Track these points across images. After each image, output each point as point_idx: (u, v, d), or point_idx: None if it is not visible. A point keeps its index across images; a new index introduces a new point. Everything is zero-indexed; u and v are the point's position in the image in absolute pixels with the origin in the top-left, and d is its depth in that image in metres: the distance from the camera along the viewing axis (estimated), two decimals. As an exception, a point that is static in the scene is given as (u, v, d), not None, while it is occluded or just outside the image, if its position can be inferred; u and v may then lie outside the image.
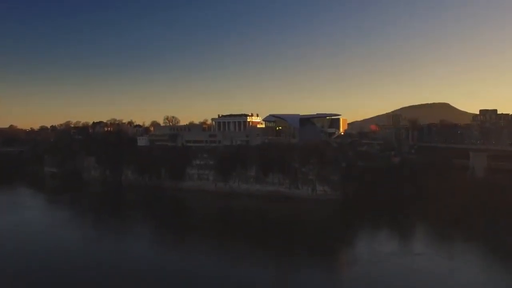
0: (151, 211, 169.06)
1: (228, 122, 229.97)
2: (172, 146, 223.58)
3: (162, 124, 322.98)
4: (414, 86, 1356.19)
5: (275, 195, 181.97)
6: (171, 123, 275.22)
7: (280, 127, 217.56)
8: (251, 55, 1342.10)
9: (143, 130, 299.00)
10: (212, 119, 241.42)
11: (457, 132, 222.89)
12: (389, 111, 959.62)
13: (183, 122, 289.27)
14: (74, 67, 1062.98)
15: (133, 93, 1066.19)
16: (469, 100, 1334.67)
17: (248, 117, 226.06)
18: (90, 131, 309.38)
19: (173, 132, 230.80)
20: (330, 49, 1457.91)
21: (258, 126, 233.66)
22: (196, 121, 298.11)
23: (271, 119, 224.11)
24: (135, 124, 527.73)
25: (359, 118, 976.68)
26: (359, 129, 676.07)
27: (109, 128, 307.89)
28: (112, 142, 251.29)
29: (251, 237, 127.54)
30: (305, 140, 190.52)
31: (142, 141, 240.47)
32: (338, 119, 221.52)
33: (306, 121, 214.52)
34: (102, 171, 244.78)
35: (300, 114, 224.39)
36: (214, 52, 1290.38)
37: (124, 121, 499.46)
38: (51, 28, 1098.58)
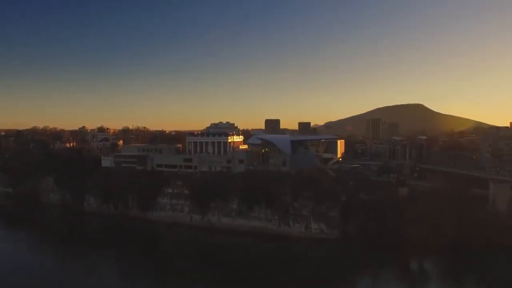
0: (115, 247, 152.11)
1: (206, 143, 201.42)
2: (141, 170, 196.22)
3: (131, 128, 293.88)
4: (389, 87, 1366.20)
5: (261, 232, 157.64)
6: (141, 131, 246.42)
7: (267, 149, 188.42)
8: (226, 56, 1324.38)
9: (110, 147, 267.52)
10: (187, 138, 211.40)
11: (463, 154, 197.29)
12: (364, 111, 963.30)
13: (155, 127, 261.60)
14: (47, 66, 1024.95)
15: (107, 97, 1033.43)
16: (443, 101, 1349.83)
17: (229, 137, 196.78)
18: (50, 146, 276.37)
19: (142, 153, 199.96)
20: (304, 49, 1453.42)
21: (241, 147, 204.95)
22: (170, 129, 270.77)
23: (257, 141, 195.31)
24: (106, 129, 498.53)
25: (334, 118, 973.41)
26: (336, 130, 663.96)
27: (71, 144, 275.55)
28: (73, 161, 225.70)
29: (231, 282, 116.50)
30: (298, 168, 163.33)
31: (107, 162, 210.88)
32: (335, 141, 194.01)
33: (298, 144, 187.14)
34: (62, 194, 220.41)
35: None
36: (193, 53, 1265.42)
37: (93, 128, 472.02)
38: (24, 26, 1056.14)
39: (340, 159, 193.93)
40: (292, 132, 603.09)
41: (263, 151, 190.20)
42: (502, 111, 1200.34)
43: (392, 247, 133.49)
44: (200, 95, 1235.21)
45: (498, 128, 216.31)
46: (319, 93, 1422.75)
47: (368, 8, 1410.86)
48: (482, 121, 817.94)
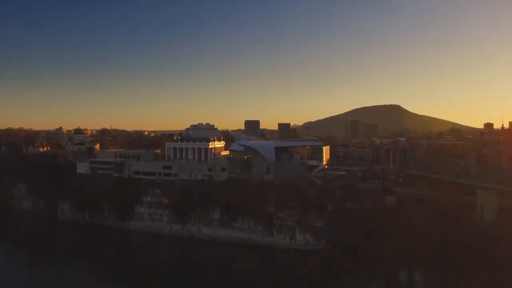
0: (89, 258, 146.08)
1: (186, 148, 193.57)
2: (118, 177, 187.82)
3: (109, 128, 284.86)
4: (366, 88, 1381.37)
5: (244, 244, 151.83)
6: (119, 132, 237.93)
7: (249, 156, 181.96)
8: (205, 56, 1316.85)
9: (86, 151, 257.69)
10: (166, 144, 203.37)
11: (449, 160, 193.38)
12: (342, 112, 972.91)
13: (133, 128, 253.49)
14: (24, 65, 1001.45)
15: (85, 97, 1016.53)
16: (418, 102, 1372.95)
17: (210, 143, 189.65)
18: (22, 150, 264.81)
19: (118, 159, 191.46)
20: (283, 50, 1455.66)
21: (222, 153, 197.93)
22: (149, 129, 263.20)
23: (239, 148, 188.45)
24: (83, 130, 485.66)
25: (312, 119, 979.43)
26: (315, 131, 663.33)
27: (44, 148, 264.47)
28: (47, 167, 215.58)
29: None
30: (282, 176, 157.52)
31: (82, 168, 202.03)
32: (321, 148, 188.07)
33: (282, 151, 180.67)
34: (34, 202, 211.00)
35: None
36: (172, 54, 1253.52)
37: (71, 128, 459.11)
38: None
39: (326, 167, 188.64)
40: (271, 132, 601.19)
41: (245, 157, 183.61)
42: (476, 113, 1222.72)
43: (379, 258, 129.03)
44: (179, 95, 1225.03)
45: (482, 133, 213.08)
46: (297, 94, 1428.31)
47: (345, 9, 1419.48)
48: (457, 122, 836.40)
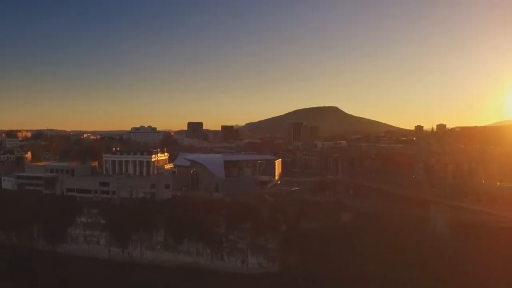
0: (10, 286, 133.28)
1: (126, 162, 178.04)
2: (49, 194, 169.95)
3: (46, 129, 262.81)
4: (306, 90, 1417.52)
5: (191, 268, 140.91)
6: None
7: (196, 170, 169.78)
8: (147, 56, 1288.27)
9: (14, 161, 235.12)
10: (104, 156, 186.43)
11: (399, 171, 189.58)
12: (283, 113, 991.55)
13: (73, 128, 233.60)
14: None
15: (21, 96, 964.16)
16: (354, 104, 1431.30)
17: (153, 156, 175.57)
18: None
19: (49, 174, 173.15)
20: (224, 51, 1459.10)
21: (166, 166, 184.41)
22: (89, 129, 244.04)
23: (185, 162, 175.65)
24: (16, 131, 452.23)
25: (254, 120, 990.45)
26: (258, 132, 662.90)
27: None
28: None
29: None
30: (232, 193, 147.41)
31: (7, 183, 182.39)
32: (273, 162, 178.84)
33: (232, 166, 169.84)
34: None
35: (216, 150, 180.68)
36: (114, 53, 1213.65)
37: (4, 129, 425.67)
38: None
39: (278, 182, 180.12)
40: (214, 133, 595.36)
41: (191, 172, 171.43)
42: (407, 115, 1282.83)
43: (335, 279, 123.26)
44: (120, 95, 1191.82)
45: (428, 143, 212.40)
46: (240, 95, 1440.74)
47: (284, 10, 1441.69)
48: (390, 124, 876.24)
